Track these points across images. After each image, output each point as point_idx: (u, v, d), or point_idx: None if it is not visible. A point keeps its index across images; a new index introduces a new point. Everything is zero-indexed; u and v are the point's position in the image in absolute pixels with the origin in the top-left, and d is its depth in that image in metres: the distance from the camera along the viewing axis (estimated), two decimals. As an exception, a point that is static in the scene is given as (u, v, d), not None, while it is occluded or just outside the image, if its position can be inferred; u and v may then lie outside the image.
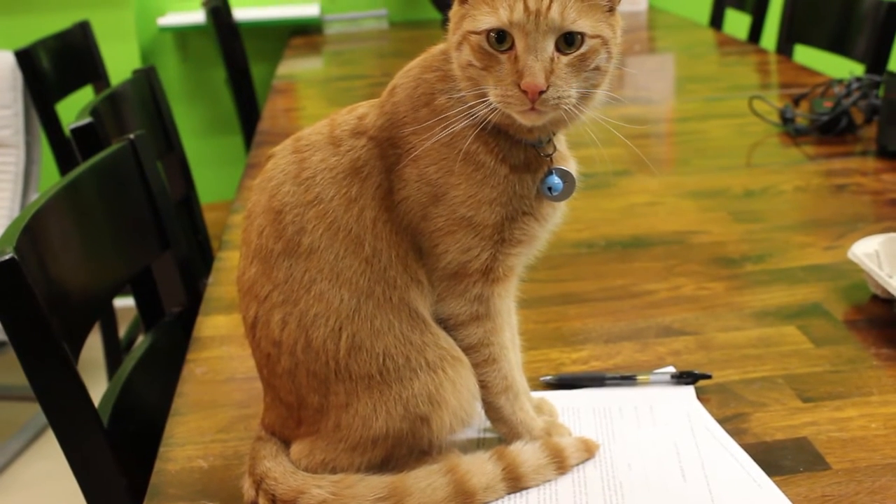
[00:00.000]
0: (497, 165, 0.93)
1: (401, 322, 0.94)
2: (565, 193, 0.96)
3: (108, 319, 2.68)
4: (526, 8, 0.85)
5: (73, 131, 1.66)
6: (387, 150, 0.95)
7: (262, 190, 0.98)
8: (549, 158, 0.95)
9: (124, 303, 2.89)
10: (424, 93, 0.94)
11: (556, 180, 0.95)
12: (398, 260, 0.94)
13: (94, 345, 2.64)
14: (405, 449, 0.97)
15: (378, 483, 0.93)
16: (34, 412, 3.05)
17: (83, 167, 1.41)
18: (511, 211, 0.94)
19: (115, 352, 2.70)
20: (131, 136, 1.54)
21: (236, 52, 3.49)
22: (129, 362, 1.38)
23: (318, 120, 1.02)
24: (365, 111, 0.98)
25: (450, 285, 0.96)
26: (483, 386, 0.99)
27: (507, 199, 0.94)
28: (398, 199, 0.94)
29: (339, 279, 0.93)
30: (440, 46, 0.97)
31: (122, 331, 2.77)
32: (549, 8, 0.85)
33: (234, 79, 3.43)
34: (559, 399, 1.13)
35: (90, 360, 2.77)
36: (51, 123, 2.68)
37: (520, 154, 0.93)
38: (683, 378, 1.15)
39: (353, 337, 0.93)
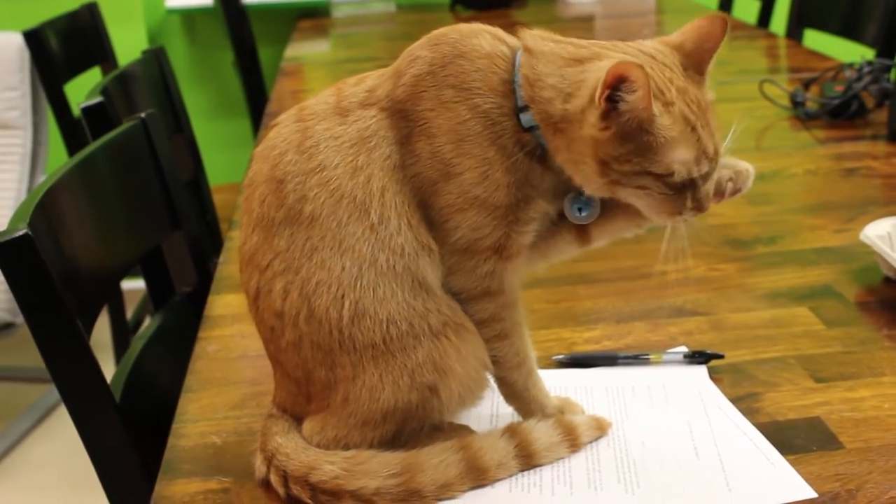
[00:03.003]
0: (522, 155, 0.92)
1: (403, 291, 0.93)
2: (591, 215, 0.96)
3: (116, 301, 2.69)
4: (710, 159, 0.90)
5: (84, 110, 1.66)
6: (399, 122, 0.94)
7: (263, 159, 0.97)
8: None
9: (132, 285, 2.89)
10: (455, 76, 0.92)
11: (585, 200, 0.95)
12: (409, 229, 0.93)
13: (101, 326, 2.65)
14: (416, 422, 0.96)
15: (391, 459, 0.93)
16: (41, 393, 3.06)
17: (95, 145, 1.41)
18: (526, 193, 0.94)
19: (122, 334, 2.71)
20: (143, 114, 1.54)
21: (244, 34, 3.48)
22: (140, 340, 1.38)
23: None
24: (375, 83, 0.97)
25: (460, 261, 0.95)
26: (495, 361, 0.99)
27: (524, 182, 0.93)
28: (410, 174, 0.93)
29: (342, 246, 0.92)
30: (481, 41, 0.94)
31: (130, 313, 2.78)
32: (718, 150, 0.91)
33: (241, 61, 3.42)
34: (571, 378, 1.13)
35: (97, 341, 2.78)
36: (59, 105, 2.68)
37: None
38: (696, 358, 1.15)
39: (355, 304, 0.92)
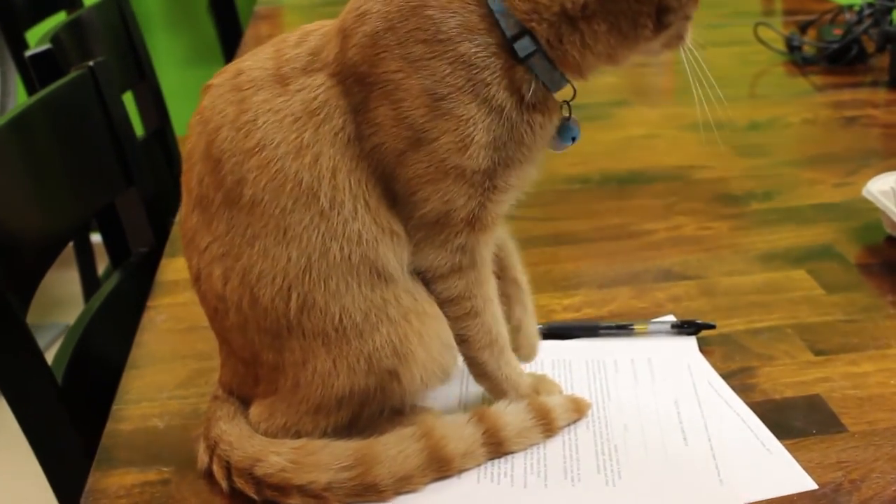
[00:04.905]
0: (513, 100, 0.81)
1: (360, 284, 0.83)
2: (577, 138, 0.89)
3: (86, 257, 2.59)
4: None
5: (31, 59, 1.55)
6: (352, 87, 0.82)
7: (199, 133, 0.86)
8: (567, 105, 0.85)
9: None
10: (424, 30, 0.80)
11: (575, 128, 0.87)
12: (366, 212, 0.83)
13: (73, 279, 2.56)
14: (375, 407, 0.87)
15: (343, 450, 0.83)
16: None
17: (34, 98, 1.31)
18: (505, 157, 0.83)
19: (93, 289, 2.61)
20: (90, 63, 1.43)
21: (218, -23, 3.35)
22: (88, 312, 1.28)
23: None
24: (318, 44, 0.85)
25: (428, 235, 0.85)
26: (464, 340, 0.90)
27: (505, 141, 0.82)
28: (369, 147, 0.83)
29: (286, 236, 0.82)
30: None
31: (102, 269, 2.68)
32: None
33: (216, 6, 3.30)
34: (548, 350, 1.04)
35: (72, 295, 2.69)
36: (19, 52, 2.56)
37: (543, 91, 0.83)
38: (685, 328, 1.06)
39: (304, 297, 0.82)
